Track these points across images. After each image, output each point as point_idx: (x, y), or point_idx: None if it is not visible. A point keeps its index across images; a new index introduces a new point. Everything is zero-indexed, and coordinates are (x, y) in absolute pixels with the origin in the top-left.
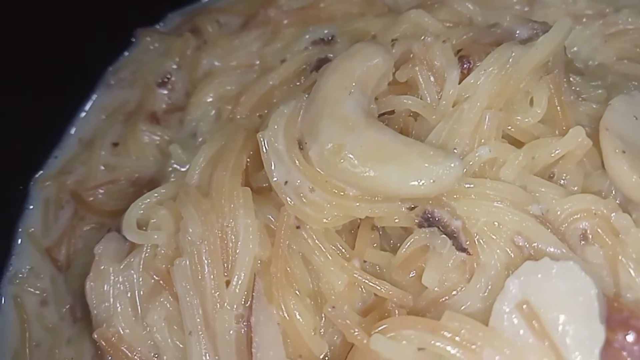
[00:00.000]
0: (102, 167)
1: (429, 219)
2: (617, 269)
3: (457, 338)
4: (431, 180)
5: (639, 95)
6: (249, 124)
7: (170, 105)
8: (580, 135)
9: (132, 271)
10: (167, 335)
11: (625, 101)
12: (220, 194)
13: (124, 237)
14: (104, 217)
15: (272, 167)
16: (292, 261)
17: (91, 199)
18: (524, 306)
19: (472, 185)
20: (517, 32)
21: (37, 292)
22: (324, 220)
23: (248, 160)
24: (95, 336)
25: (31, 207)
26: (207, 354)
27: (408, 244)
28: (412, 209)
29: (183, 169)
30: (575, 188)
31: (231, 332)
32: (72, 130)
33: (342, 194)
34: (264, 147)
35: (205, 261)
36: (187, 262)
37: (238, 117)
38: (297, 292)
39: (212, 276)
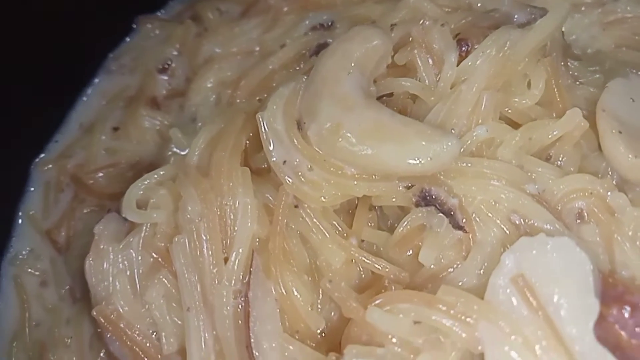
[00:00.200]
0: (103, 151)
1: (426, 198)
2: (613, 247)
3: (452, 311)
4: (429, 158)
5: (637, 79)
6: (249, 107)
7: (170, 91)
8: (577, 117)
9: (132, 250)
10: (166, 312)
11: (623, 84)
12: (219, 174)
13: (123, 218)
14: (103, 200)
15: (271, 147)
16: (290, 239)
17: (91, 182)
18: (519, 280)
19: (469, 164)
20: (516, 16)
21: (37, 273)
22: (322, 198)
23: (247, 142)
24: (94, 313)
25: (32, 189)
26: (205, 329)
27: (405, 222)
28: (409, 187)
29: (183, 153)
30: (572, 169)
31: (229, 307)
32: (73, 115)
33: (340, 172)
34: (263, 128)
35: (204, 238)
36: (186, 240)
37: (238, 101)
38: (294, 268)
39: (210, 252)
